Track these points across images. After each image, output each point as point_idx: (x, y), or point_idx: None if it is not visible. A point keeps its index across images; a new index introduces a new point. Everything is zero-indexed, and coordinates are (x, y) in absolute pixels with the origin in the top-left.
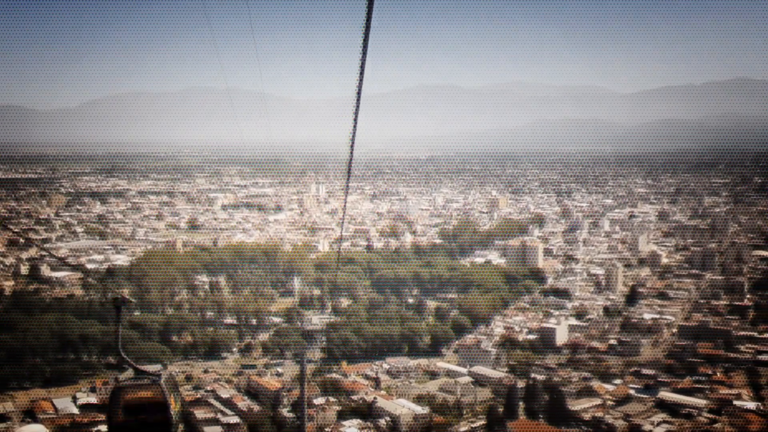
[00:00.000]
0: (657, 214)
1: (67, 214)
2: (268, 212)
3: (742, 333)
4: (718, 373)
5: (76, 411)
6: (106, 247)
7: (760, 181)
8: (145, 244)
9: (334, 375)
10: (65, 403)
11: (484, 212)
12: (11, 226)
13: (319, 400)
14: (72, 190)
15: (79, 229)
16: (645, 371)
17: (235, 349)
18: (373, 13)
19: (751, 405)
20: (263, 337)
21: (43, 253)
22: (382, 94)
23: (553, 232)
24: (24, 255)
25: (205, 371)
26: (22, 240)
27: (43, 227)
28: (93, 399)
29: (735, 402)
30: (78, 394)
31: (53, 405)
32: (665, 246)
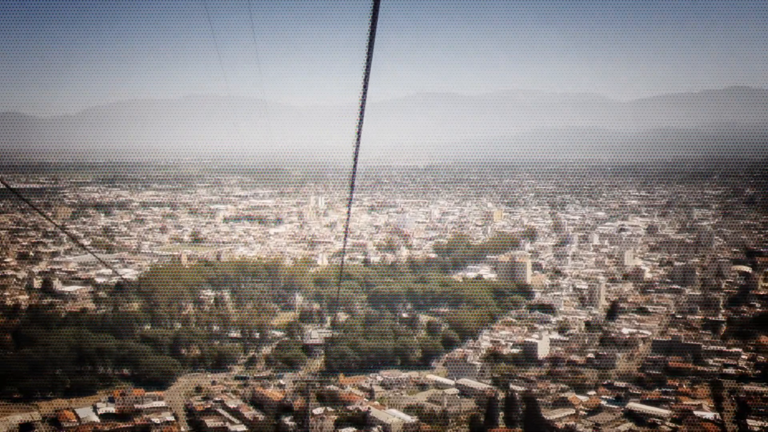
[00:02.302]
0: (646, 227)
1: (73, 226)
2: (268, 225)
3: (712, 347)
4: (684, 385)
5: (97, 420)
6: (114, 261)
7: (751, 192)
8: (150, 258)
9: (332, 387)
10: (86, 412)
11: (478, 225)
12: (20, 239)
13: (318, 410)
14: (76, 201)
15: (85, 242)
16: (617, 383)
17: (241, 361)
18: (377, 23)
19: (710, 415)
20: (266, 350)
21: (54, 266)
22: (382, 102)
23: (543, 246)
24: (36, 269)
25: (213, 383)
26: (31, 253)
27: (51, 240)
28: (112, 408)
29: (695, 412)
30: (98, 404)
31: (76, 414)
32: (650, 260)
